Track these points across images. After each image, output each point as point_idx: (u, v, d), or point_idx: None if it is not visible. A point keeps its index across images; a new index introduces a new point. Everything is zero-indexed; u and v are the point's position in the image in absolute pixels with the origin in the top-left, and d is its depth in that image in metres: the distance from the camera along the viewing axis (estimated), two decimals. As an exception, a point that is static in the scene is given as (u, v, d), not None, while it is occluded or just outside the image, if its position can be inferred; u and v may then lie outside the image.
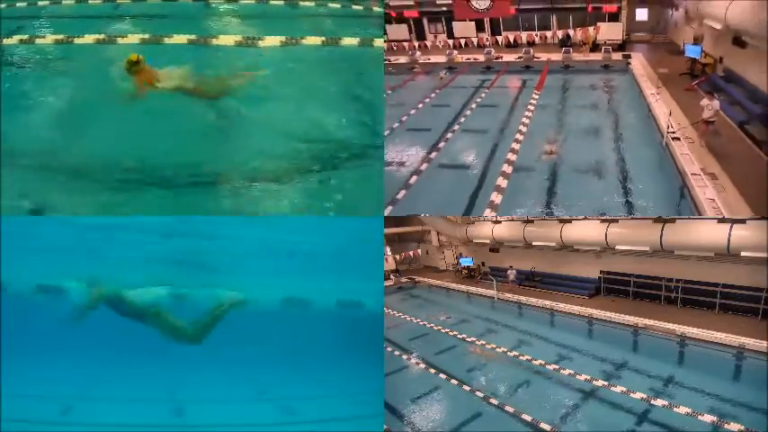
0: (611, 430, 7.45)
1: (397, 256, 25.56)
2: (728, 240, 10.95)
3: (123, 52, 8.27)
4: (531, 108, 15.56)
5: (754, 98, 12.71)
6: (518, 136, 13.19)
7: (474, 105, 16.66)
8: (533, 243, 17.99)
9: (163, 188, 6.50)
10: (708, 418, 7.35)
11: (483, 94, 17.98)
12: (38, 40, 10.42)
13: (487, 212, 9.72)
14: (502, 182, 10.63)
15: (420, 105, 16.82)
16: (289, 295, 17.40)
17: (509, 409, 8.26)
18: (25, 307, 14.30)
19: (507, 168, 11.25)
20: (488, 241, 20.48)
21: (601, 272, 16.32)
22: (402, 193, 10.55)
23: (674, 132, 11.14)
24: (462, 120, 15.25)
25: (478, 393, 9.07)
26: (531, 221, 17.77)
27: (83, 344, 12.09)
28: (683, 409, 7.64)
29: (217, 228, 14.46)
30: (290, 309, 17.10)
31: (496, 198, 10.01)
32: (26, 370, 11.04)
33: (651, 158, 11.37)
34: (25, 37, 10.53)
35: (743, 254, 11.01)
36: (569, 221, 16.06)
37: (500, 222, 19.59)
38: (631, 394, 8.42)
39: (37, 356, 12.12)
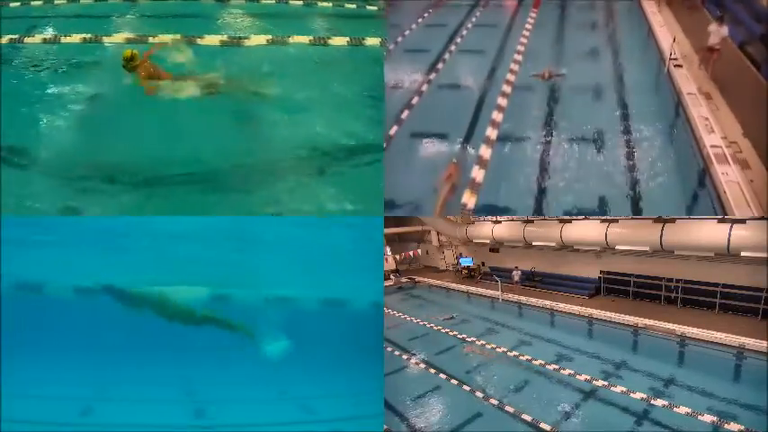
0: (611, 430, 7.46)
1: (397, 256, 25.56)
2: (728, 240, 10.97)
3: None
4: (529, 27, 15.32)
5: (757, 17, 12.24)
6: (516, 56, 13.11)
7: (470, 25, 16.33)
8: (533, 243, 18.01)
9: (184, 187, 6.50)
10: (708, 418, 7.37)
11: (478, 13, 17.49)
12: (63, 39, 10.14)
13: (489, 131, 9.68)
14: (502, 101, 10.75)
15: (414, 26, 16.44)
16: (288, 295, 17.39)
17: (509, 409, 8.27)
18: (45, 307, 14.28)
19: (507, 88, 11.33)
20: (488, 241, 20.50)
21: (601, 272, 16.33)
22: (405, 113, 10.61)
23: (676, 59, 11.07)
24: (459, 40, 15.00)
25: (478, 393, 9.08)
26: (531, 221, 17.78)
27: (102, 345, 12.00)
28: (683, 409, 7.66)
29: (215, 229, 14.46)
30: (289, 309, 17.08)
31: (497, 117, 10.12)
32: (45, 371, 10.97)
33: (649, 79, 11.40)
34: (49, 36, 10.29)
35: (743, 254, 11.02)
36: (569, 221, 16.07)
37: (500, 222, 19.61)
38: (631, 394, 8.44)
39: (56, 357, 12.01)
